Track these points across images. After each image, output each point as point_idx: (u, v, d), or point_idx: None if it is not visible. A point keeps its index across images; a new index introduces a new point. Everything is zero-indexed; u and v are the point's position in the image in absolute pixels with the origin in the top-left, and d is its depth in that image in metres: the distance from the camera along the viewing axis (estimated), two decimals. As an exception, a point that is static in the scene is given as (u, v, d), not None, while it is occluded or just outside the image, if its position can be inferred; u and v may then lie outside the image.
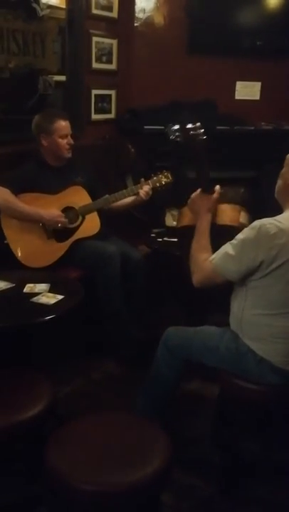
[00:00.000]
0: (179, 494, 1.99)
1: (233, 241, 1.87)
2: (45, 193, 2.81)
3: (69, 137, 2.85)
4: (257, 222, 1.82)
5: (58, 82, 3.33)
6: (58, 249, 2.81)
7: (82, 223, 2.87)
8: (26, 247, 2.77)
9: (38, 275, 2.55)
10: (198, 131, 2.09)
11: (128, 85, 3.72)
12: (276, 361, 1.87)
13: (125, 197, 2.94)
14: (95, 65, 3.49)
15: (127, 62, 3.69)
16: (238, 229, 1.94)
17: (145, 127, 3.53)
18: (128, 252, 2.93)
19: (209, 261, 1.92)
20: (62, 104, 3.42)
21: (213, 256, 1.92)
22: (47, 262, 2.76)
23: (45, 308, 2.14)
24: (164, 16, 3.72)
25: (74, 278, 2.66)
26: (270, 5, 3.79)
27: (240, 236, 1.85)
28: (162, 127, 3.52)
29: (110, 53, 3.59)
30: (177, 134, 2.23)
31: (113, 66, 3.64)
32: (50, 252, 2.80)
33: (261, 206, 2.24)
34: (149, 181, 2.95)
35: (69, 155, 2.88)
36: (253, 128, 3.77)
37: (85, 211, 2.87)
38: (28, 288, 2.32)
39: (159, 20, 3.73)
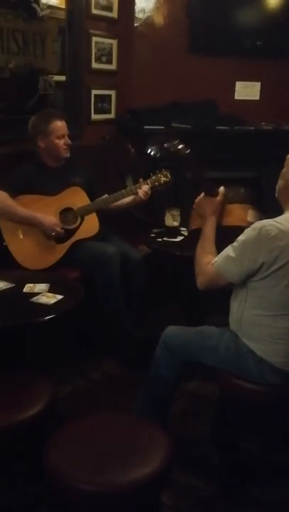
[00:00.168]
0: (178, 494, 1.99)
1: (235, 243, 1.88)
2: (43, 194, 2.80)
3: (66, 137, 2.84)
4: (257, 224, 1.82)
5: (58, 82, 3.33)
6: (57, 251, 2.80)
7: (81, 224, 2.86)
8: (26, 250, 2.76)
9: (37, 275, 2.55)
10: (177, 147, 2.13)
11: (128, 85, 3.72)
12: (276, 362, 1.87)
13: (124, 197, 2.93)
14: (95, 65, 3.49)
15: (126, 62, 3.69)
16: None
17: (145, 127, 3.54)
18: (128, 252, 2.92)
19: (211, 264, 1.94)
20: (62, 104, 3.42)
21: (216, 259, 1.93)
22: (47, 264, 2.75)
23: (45, 308, 2.14)
24: (164, 16, 3.73)
25: (73, 278, 2.66)
26: (270, 5, 3.79)
27: (241, 238, 1.86)
28: (162, 127, 3.55)
29: (110, 53, 3.59)
30: (158, 155, 2.28)
31: (113, 66, 3.64)
32: (49, 253, 2.79)
33: (261, 206, 2.25)
34: (148, 181, 2.94)
35: (67, 155, 2.87)
36: (253, 128, 3.77)
37: (84, 212, 2.86)
38: (28, 288, 2.32)
39: (159, 20, 3.73)
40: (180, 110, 3.72)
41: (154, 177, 2.96)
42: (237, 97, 3.99)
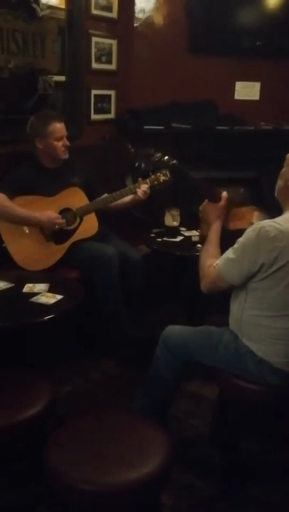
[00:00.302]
0: (178, 494, 1.99)
1: (235, 245, 1.88)
2: (41, 195, 2.79)
3: (64, 139, 2.83)
4: (256, 225, 1.83)
5: (57, 82, 3.33)
6: (56, 252, 2.80)
7: (80, 225, 2.86)
8: (25, 251, 2.76)
9: (37, 275, 2.55)
10: (162, 159, 2.16)
11: (128, 85, 3.72)
12: (275, 362, 1.87)
13: (123, 196, 2.93)
14: (95, 65, 3.49)
15: (126, 62, 3.69)
16: None
17: (145, 127, 3.53)
18: (127, 252, 2.92)
19: (213, 266, 1.95)
20: (61, 105, 3.42)
21: (217, 261, 1.94)
22: (46, 264, 2.75)
23: (45, 308, 2.14)
24: (163, 16, 3.72)
25: (73, 278, 2.66)
26: (270, 5, 3.78)
27: (241, 239, 1.86)
28: (162, 127, 3.55)
29: (110, 53, 3.59)
30: (148, 168, 2.31)
31: (113, 66, 3.64)
32: (48, 254, 2.79)
33: (261, 206, 2.25)
34: (147, 180, 2.94)
35: (65, 156, 2.86)
36: (253, 128, 3.77)
37: (83, 212, 2.85)
38: (28, 288, 2.32)
39: (158, 20, 3.72)
40: (180, 110, 3.72)
41: (153, 176, 2.96)
42: (237, 97, 3.98)
